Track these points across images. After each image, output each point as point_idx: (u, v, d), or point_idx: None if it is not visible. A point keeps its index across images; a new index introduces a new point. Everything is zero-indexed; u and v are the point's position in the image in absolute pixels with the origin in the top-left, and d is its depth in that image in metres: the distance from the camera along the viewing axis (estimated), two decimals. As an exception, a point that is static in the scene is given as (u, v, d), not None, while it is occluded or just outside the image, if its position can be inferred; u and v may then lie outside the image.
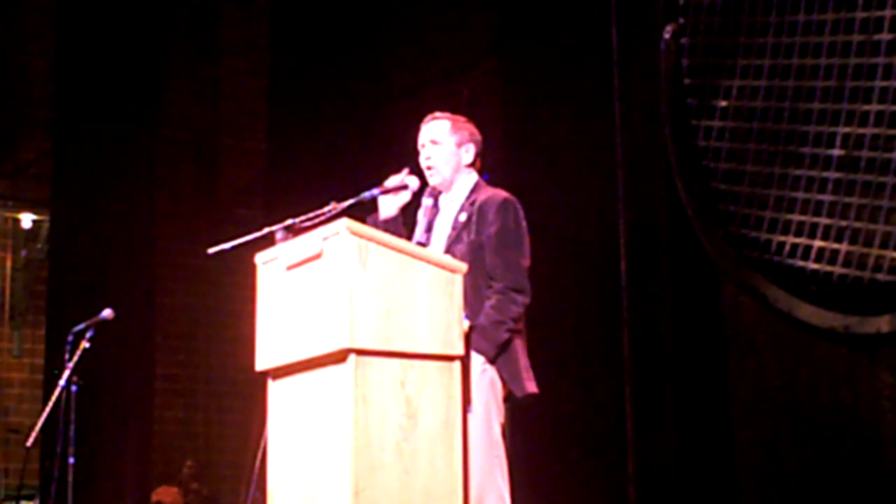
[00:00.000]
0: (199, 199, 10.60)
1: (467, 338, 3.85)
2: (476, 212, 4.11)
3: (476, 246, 4.06)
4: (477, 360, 3.95)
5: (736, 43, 4.81)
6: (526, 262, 4.10)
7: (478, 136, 4.29)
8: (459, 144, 4.22)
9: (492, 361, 3.98)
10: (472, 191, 4.21)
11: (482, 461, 3.90)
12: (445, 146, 4.21)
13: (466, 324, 3.94)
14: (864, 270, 4.32)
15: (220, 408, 10.49)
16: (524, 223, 4.13)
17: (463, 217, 4.13)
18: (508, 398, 4.05)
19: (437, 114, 4.29)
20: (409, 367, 3.61)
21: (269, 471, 3.88)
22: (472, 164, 4.26)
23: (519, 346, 4.06)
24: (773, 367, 4.77)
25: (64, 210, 9.25)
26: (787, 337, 4.67)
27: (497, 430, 3.97)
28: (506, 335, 3.99)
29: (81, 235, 9.01)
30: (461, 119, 4.30)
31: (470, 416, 3.87)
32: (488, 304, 3.99)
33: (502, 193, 4.17)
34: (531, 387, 4.05)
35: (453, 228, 4.13)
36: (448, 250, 4.07)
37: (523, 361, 4.07)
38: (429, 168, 4.22)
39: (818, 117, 4.50)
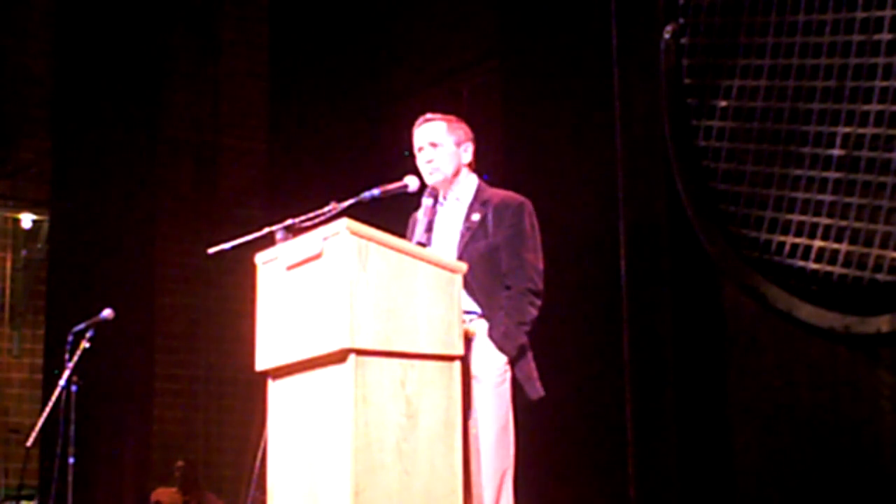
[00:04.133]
0: (199, 199, 10.57)
1: (467, 339, 3.86)
2: (491, 212, 4.13)
3: (493, 247, 4.08)
4: (498, 363, 3.98)
5: (736, 43, 4.80)
6: (541, 265, 4.14)
7: (471, 135, 4.32)
8: (458, 144, 4.24)
9: (513, 363, 4.01)
10: (478, 191, 4.23)
11: (500, 464, 3.93)
12: (445, 147, 4.22)
13: (483, 324, 3.95)
14: (864, 270, 4.31)
15: (220, 408, 10.47)
16: (537, 226, 4.18)
17: (476, 217, 4.14)
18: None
19: (429, 115, 4.29)
20: (409, 367, 3.61)
21: (269, 471, 3.88)
22: (470, 163, 4.28)
23: (528, 348, 4.11)
24: (773, 367, 4.76)
25: (64, 210, 9.25)
26: (787, 337, 4.66)
27: (512, 433, 4.01)
28: (525, 337, 4.04)
29: (81, 235, 9.01)
30: (454, 118, 4.31)
31: (491, 420, 3.92)
32: (508, 305, 4.02)
33: (517, 196, 4.22)
34: (541, 388, 4.11)
35: (467, 229, 4.14)
36: (464, 250, 4.09)
37: (533, 363, 4.11)
38: (430, 169, 4.22)
39: (818, 117, 4.49)
